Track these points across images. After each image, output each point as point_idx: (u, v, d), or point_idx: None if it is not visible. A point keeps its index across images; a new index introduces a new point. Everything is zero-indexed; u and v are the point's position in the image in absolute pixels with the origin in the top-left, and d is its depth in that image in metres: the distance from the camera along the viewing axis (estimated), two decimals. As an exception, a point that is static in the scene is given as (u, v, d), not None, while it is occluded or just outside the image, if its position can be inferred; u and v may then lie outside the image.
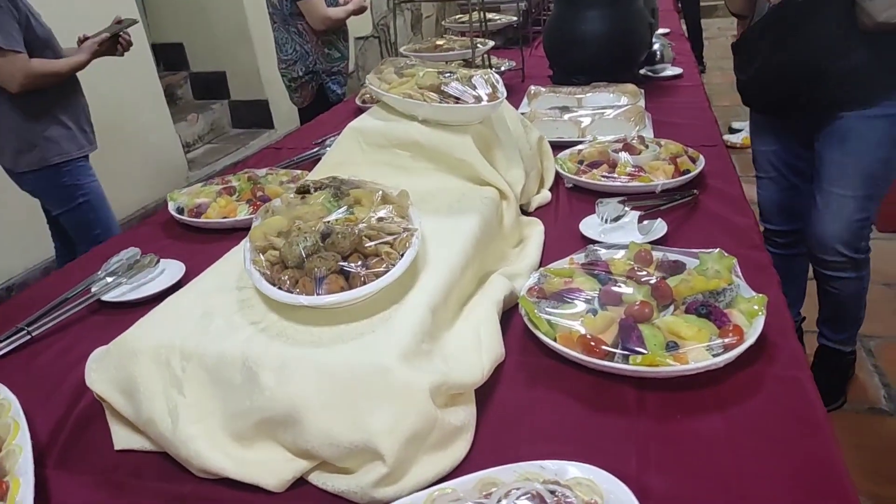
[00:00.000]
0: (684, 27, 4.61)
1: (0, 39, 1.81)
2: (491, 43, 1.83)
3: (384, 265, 0.80)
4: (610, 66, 2.19)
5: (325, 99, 2.96)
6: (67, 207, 2.16)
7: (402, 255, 0.83)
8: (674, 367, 0.77)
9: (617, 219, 1.22)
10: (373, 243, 0.83)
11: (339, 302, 0.76)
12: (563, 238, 1.20)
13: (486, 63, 1.99)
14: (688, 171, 1.35)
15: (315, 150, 1.80)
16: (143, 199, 3.42)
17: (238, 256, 0.93)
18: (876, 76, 1.49)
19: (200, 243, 1.31)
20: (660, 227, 1.17)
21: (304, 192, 0.99)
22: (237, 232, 1.30)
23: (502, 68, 2.40)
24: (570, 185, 1.41)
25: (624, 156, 1.40)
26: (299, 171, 1.52)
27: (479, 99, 1.12)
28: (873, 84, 1.51)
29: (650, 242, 1.12)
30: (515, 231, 1.17)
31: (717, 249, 0.97)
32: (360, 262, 0.81)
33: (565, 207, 1.35)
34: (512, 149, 1.23)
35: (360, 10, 2.94)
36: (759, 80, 1.70)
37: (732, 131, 4.28)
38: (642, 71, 2.38)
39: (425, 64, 1.26)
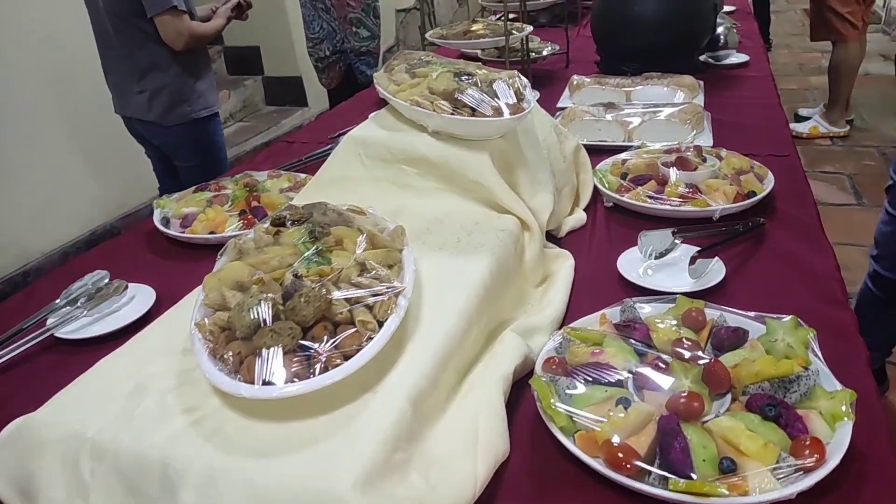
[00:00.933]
0: (751, 2, 4.22)
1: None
2: (528, 29, 1.61)
3: (356, 343, 0.63)
4: (665, 54, 1.94)
5: (355, 80, 2.77)
6: (199, 161, 2.25)
7: (383, 325, 0.66)
8: (728, 499, 0.58)
9: (664, 253, 1.01)
10: (345, 309, 0.66)
11: (289, 394, 0.59)
12: (597, 276, 1.01)
13: (524, 51, 1.77)
14: (753, 194, 1.13)
15: (328, 146, 1.63)
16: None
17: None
18: None
19: (183, 261, 1.16)
20: (716, 271, 0.96)
21: (279, 224, 0.82)
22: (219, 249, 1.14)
23: (544, 52, 2.17)
24: (610, 205, 1.21)
25: (676, 172, 1.18)
26: (304, 176, 1.35)
27: (499, 111, 0.92)
28: None
29: (703, 290, 0.92)
30: (539, 267, 0.98)
31: (791, 317, 0.76)
32: (326, 336, 0.63)
33: (602, 232, 1.14)
34: (540, 168, 1.03)
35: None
36: None
37: (799, 119, 3.91)
38: (702, 57, 2.11)
39: (442, 63, 1.06)
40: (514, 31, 1.56)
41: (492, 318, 0.83)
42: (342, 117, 1.97)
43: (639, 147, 1.36)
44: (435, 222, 0.94)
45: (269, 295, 0.65)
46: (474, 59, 1.91)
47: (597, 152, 1.44)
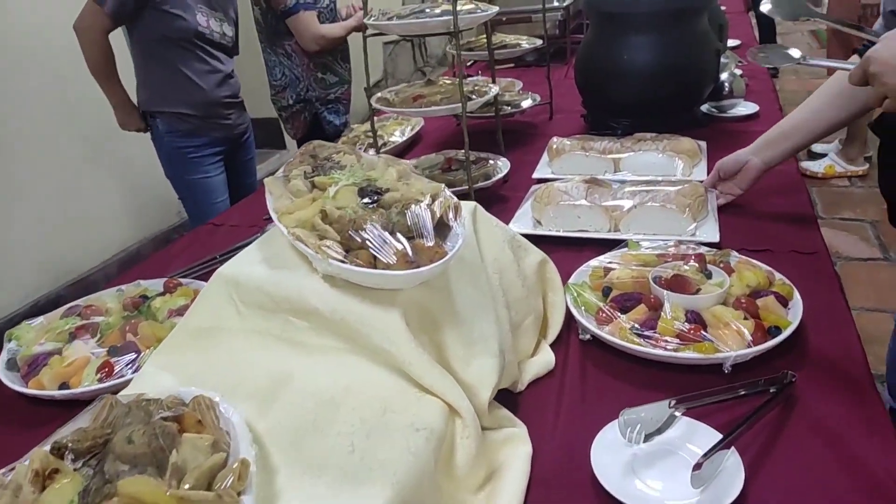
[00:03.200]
0: (757, 32, 3.97)
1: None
2: (493, 91, 1.34)
3: None
4: (661, 109, 1.67)
5: (322, 130, 2.52)
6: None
7: None
8: None
9: (656, 432, 0.72)
10: None
11: None
12: (564, 470, 0.71)
13: (496, 110, 1.49)
14: (777, 330, 0.84)
15: (257, 234, 1.35)
16: (126, 240, 3.06)
17: None
18: None
19: (27, 421, 0.88)
20: (731, 476, 0.66)
21: (56, 457, 0.54)
22: (78, 407, 0.86)
23: (523, 105, 1.90)
24: (587, 338, 0.92)
25: (671, 297, 0.89)
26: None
27: (405, 258, 0.64)
28: None
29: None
30: (479, 467, 0.69)
31: None
32: None
33: (575, 383, 0.85)
34: (480, 316, 0.74)
35: (362, 27, 2.47)
36: None
37: (812, 156, 3.62)
38: (704, 107, 1.84)
39: (352, 171, 0.78)
40: (472, 96, 1.28)
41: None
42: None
43: (625, 247, 1.07)
44: (326, 406, 0.66)
45: None
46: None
47: (575, 244, 1.17)
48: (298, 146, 2.71)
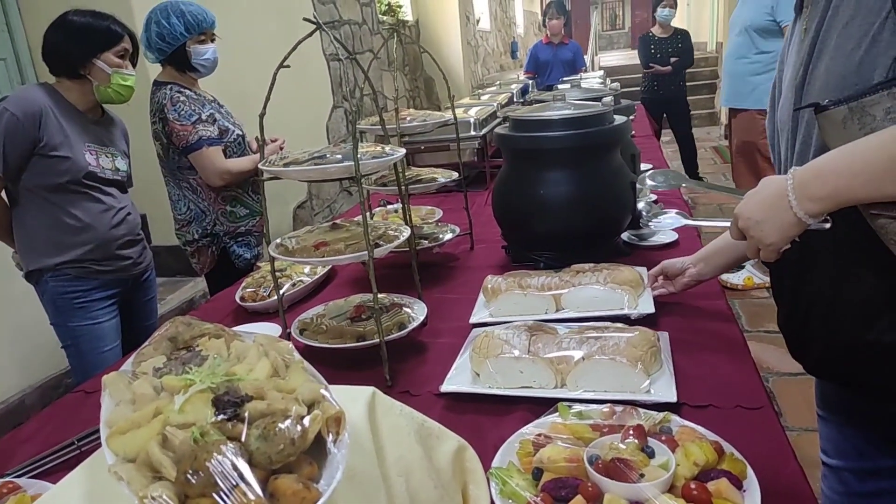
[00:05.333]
0: (665, 152, 4.17)
1: None
2: (405, 233, 1.23)
3: None
4: (581, 242, 1.61)
5: (231, 265, 2.35)
6: None
7: None
8: None
9: None
10: None
11: None
12: None
13: (412, 249, 1.39)
14: (734, 526, 0.71)
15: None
16: (9, 388, 2.70)
17: None
18: None
19: None
20: None
21: None
22: None
23: (443, 238, 1.82)
24: (516, 543, 0.76)
25: (612, 486, 0.75)
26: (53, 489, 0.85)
27: (263, 507, 0.48)
28: None
29: None
30: None
31: None
32: None
33: None
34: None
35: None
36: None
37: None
38: (625, 236, 1.81)
39: (211, 367, 0.63)
40: (380, 242, 1.17)
41: None
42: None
43: (556, 413, 0.94)
44: None
45: None
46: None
47: (520, 403, 1.04)
48: (207, 282, 2.52)
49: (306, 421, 0.53)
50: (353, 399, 0.68)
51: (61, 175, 1.76)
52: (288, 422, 0.53)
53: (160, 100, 2.15)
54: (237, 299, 1.63)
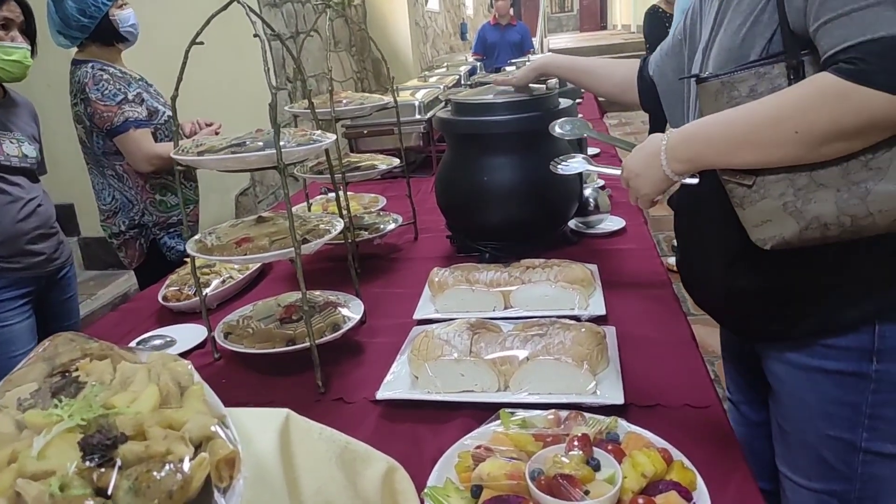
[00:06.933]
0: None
1: None
2: (338, 227, 1.14)
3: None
4: (527, 230, 1.55)
5: (162, 258, 2.20)
6: None
7: None
8: None
9: None
10: None
11: None
12: None
13: (347, 241, 1.29)
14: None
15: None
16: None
17: None
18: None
19: None
20: None
21: None
22: None
23: (385, 228, 1.73)
24: (453, 572, 0.69)
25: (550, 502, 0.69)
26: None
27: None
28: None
29: None
30: None
31: None
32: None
33: None
34: None
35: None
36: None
37: (676, 250, 3.74)
38: (572, 223, 1.76)
39: (81, 403, 0.53)
40: (308, 237, 1.08)
41: None
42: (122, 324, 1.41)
43: (497, 420, 0.88)
44: None
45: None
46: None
47: (462, 409, 0.97)
48: (136, 277, 2.37)
49: (188, 466, 0.44)
50: (262, 426, 0.60)
51: None
52: (167, 468, 0.44)
53: (80, 79, 1.98)
54: (159, 299, 1.51)
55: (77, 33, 1.97)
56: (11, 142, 1.72)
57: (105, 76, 1.99)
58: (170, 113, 2.16)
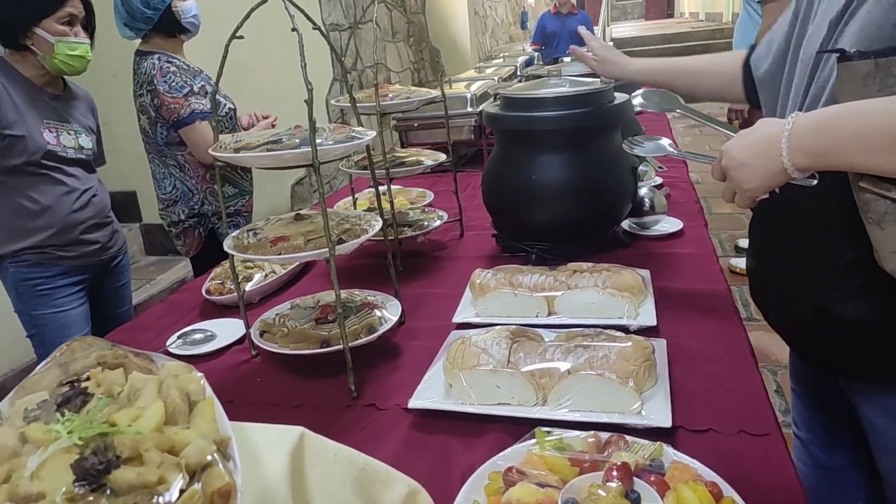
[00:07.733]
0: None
1: None
2: (376, 226, 1.10)
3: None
4: (578, 231, 1.48)
5: (218, 246, 2.23)
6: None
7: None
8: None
9: None
10: None
11: None
12: None
13: (387, 239, 1.26)
14: None
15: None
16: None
17: None
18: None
19: None
20: None
21: None
22: None
23: (429, 225, 1.69)
24: None
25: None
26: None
27: None
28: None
29: None
30: None
31: None
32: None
33: None
34: None
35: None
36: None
37: (739, 251, 3.56)
38: (625, 224, 1.67)
39: (80, 420, 0.51)
40: (344, 237, 1.05)
41: None
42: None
43: (533, 440, 0.83)
44: None
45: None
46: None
47: (496, 422, 0.93)
48: (192, 264, 2.41)
49: (178, 501, 0.41)
50: (273, 447, 0.57)
51: (17, 156, 1.64)
52: (156, 501, 0.41)
53: (148, 70, 2.02)
54: (203, 292, 1.51)
55: (142, 25, 2.01)
56: (69, 133, 1.76)
57: (172, 68, 2.03)
58: (231, 105, 2.19)
